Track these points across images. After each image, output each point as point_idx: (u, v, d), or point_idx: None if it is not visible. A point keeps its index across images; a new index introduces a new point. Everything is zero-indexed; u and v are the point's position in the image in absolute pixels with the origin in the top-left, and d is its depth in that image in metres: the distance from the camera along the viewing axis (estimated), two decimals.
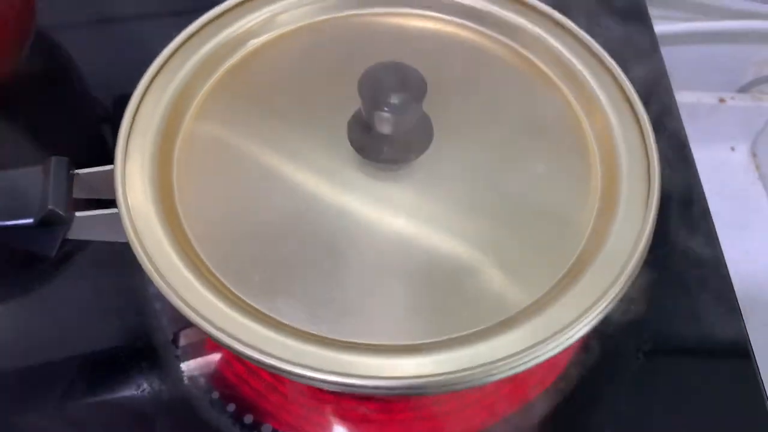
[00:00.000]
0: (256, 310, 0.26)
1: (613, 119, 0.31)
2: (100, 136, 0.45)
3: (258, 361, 0.25)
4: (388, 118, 0.28)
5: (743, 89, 0.67)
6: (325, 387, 0.24)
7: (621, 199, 0.29)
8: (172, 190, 0.29)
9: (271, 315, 0.26)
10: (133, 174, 0.29)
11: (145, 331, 0.35)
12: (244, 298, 0.27)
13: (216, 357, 0.35)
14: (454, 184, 0.30)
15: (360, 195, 0.29)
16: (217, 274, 0.27)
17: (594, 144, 0.31)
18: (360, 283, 0.27)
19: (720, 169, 0.67)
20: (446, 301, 0.27)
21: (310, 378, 0.24)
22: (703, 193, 0.43)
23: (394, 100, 0.27)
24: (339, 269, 0.28)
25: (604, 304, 0.26)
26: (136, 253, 0.27)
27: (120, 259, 0.36)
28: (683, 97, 0.64)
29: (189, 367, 0.35)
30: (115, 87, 0.46)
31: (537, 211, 0.29)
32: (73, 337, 0.35)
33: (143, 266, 0.26)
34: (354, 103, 0.29)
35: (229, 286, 0.27)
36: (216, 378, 0.35)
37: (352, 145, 0.30)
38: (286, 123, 0.31)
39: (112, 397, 0.34)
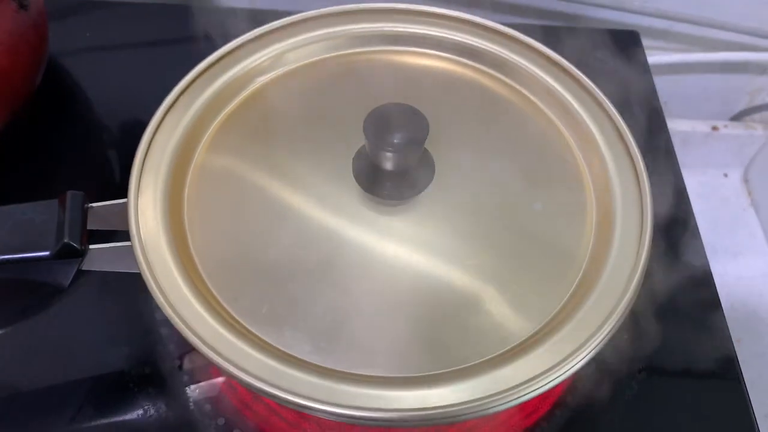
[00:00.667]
0: (264, 341, 0.27)
1: (608, 157, 0.32)
2: (108, 162, 0.46)
3: (263, 391, 0.26)
4: (391, 158, 0.29)
5: (736, 117, 0.69)
6: (330, 419, 0.25)
7: (616, 232, 0.30)
8: (183, 223, 0.30)
9: (278, 347, 0.27)
10: (145, 208, 0.30)
11: (153, 357, 0.36)
12: (251, 329, 0.28)
13: (220, 380, 0.36)
14: (456, 218, 0.31)
15: (365, 228, 0.30)
16: (226, 306, 0.28)
17: (589, 178, 0.32)
18: (365, 315, 0.28)
19: (713, 194, 0.68)
20: (449, 332, 0.28)
21: (314, 409, 0.25)
22: (695, 221, 0.44)
23: (398, 141, 0.29)
24: (344, 302, 0.29)
25: (605, 332, 0.27)
26: (148, 286, 0.28)
27: (127, 286, 0.37)
28: (678, 125, 0.66)
29: (194, 391, 0.36)
30: (123, 114, 0.48)
31: (535, 243, 0.31)
32: (81, 363, 0.36)
33: (155, 298, 0.27)
34: (358, 139, 0.30)
35: (237, 317, 0.28)
36: (221, 403, 0.35)
37: (356, 181, 0.31)
38: (293, 158, 0.32)
39: (120, 422, 0.34)
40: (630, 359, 0.37)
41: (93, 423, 0.34)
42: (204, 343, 0.26)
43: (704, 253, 0.42)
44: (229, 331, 0.27)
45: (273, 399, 0.26)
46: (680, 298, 0.40)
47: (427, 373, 0.27)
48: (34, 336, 0.37)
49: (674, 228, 0.43)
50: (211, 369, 0.36)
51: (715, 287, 0.41)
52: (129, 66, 0.50)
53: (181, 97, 0.33)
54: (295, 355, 0.27)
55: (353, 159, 0.31)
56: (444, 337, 0.28)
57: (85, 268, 0.30)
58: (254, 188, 0.32)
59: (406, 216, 0.31)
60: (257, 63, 0.35)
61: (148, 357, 0.36)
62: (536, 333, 0.28)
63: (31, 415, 0.34)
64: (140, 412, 0.35)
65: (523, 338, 0.28)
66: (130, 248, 0.29)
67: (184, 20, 0.52)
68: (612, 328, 0.27)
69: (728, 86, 0.66)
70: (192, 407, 0.35)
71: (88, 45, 0.51)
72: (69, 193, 0.30)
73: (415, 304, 0.29)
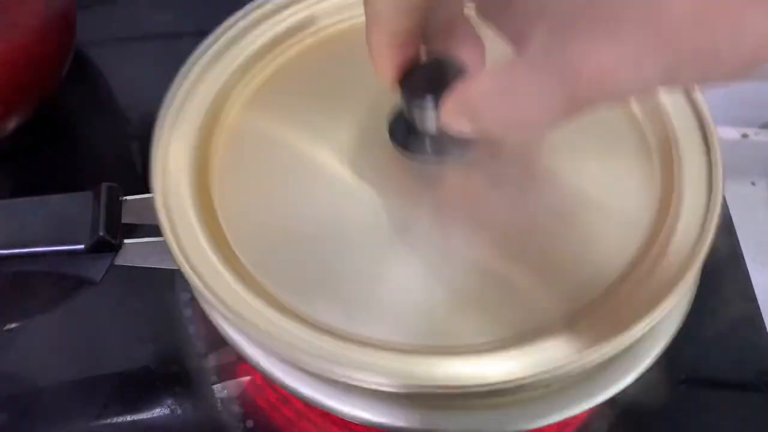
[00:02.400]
0: (299, 313, 0.26)
1: (677, 124, 0.30)
2: (130, 154, 0.46)
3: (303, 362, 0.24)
4: (430, 115, 0.26)
5: (766, 125, 0.67)
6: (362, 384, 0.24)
7: (683, 200, 0.28)
8: (209, 189, 0.29)
9: (314, 317, 0.26)
10: (172, 158, 0.29)
11: (180, 356, 0.35)
12: (284, 299, 0.26)
13: (248, 380, 0.35)
14: (505, 182, 0.29)
15: (401, 195, 0.29)
16: (273, 293, 0.26)
17: (654, 147, 0.30)
18: (399, 284, 0.27)
19: (740, 203, 0.67)
20: (491, 302, 0.26)
21: (346, 376, 0.24)
22: (734, 230, 0.43)
23: (437, 94, 0.24)
24: (380, 269, 0.27)
25: (669, 302, 0.25)
26: (190, 281, 0.26)
27: (154, 281, 0.36)
28: None
29: (222, 390, 0.35)
30: (149, 105, 0.47)
31: (591, 209, 0.28)
32: (107, 359, 0.35)
33: (199, 292, 0.26)
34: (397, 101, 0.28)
35: (285, 304, 0.26)
36: (248, 404, 0.35)
37: (393, 143, 0.28)
38: (326, 121, 0.31)
39: (146, 421, 0.34)
40: (670, 369, 0.36)
41: (119, 420, 0.34)
42: (255, 328, 0.25)
43: (744, 261, 0.41)
44: (277, 312, 0.25)
45: (312, 370, 0.24)
46: (721, 307, 0.39)
47: (468, 343, 0.25)
48: (60, 331, 0.36)
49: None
50: (238, 366, 0.36)
51: (756, 299, 0.40)
52: (155, 57, 0.49)
53: (208, 54, 0.32)
54: (331, 324, 0.25)
55: (389, 120, 0.29)
56: (492, 306, 0.26)
57: (118, 263, 0.29)
58: (286, 151, 0.30)
59: (448, 180, 0.29)
60: (292, 23, 0.33)
61: (175, 355, 0.35)
62: (590, 303, 0.26)
63: (56, 411, 0.34)
64: (167, 411, 0.34)
65: (577, 308, 0.26)
66: (164, 243, 0.28)
67: (213, 11, 0.52)
68: (675, 301, 0.25)
69: (759, 93, 0.65)
70: (220, 408, 0.34)
71: (114, 35, 0.50)
72: (104, 185, 0.29)
73: (456, 273, 0.27)
